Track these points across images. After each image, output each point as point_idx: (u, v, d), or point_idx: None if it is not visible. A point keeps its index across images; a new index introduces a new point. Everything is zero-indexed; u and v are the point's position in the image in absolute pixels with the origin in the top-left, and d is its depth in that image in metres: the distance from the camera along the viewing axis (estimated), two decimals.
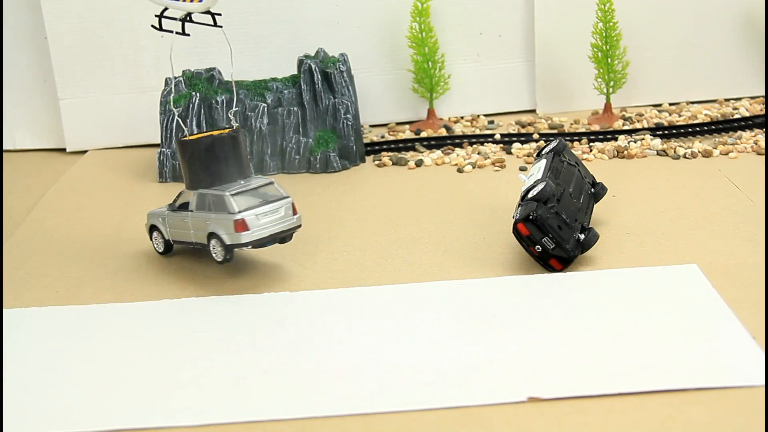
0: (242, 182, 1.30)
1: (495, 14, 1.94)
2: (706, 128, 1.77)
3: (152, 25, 1.35)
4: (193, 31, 1.91)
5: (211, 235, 1.28)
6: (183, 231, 1.34)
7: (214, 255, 1.29)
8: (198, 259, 1.39)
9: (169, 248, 1.40)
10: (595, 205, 1.43)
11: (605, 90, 1.87)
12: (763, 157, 1.65)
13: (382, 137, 1.89)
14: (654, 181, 1.58)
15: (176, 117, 1.69)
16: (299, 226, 1.32)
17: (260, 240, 1.27)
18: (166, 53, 1.90)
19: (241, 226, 1.25)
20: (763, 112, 1.84)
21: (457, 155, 1.76)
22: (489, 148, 1.78)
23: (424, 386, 1.03)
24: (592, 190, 1.43)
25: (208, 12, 1.30)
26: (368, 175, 1.72)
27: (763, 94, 1.95)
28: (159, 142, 1.77)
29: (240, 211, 1.25)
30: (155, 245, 1.41)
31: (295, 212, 1.31)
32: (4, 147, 1.99)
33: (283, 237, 1.30)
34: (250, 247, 1.27)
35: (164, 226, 1.37)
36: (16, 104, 1.97)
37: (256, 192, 1.29)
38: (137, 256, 1.42)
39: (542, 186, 1.28)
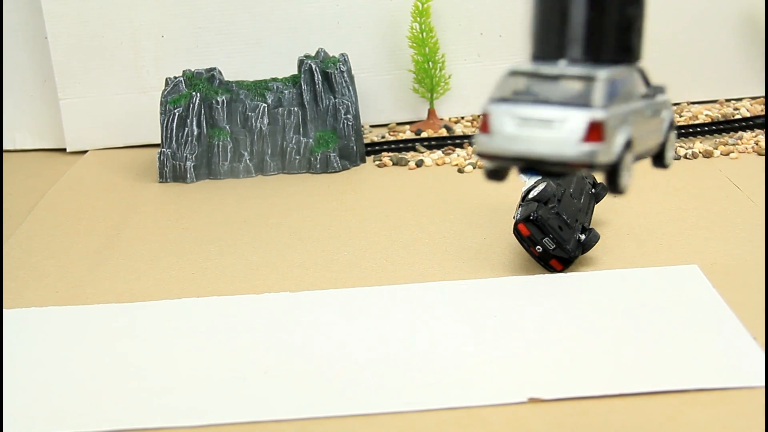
0: None
1: (495, 14, 1.94)
2: (706, 129, 1.77)
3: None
4: (193, 31, 1.92)
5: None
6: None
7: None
8: (199, 259, 1.39)
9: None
10: (595, 206, 1.43)
11: None
12: (764, 157, 1.65)
13: (383, 137, 1.89)
14: (654, 181, 1.58)
15: None
16: None
17: None
18: (166, 53, 1.92)
19: None
20: (764, 112, 1.84)
21: (458, 155, 1.76)
22: None
23: (425, 387, 1.03)
24: (593, 190, 1.43)
25: None
26: (368, 176, 1.72)
27: (764, 94, 1.95)
28: (159, 142, 1.76)
29: None
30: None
31: None
32: (5, 147, 1.99)
33: None
34: None
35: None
36: (17, 104, 1.97)
37: None
38: (137, 256, 1.42)
39: (543, 186, 1.28)
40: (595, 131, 0.74)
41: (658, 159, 0.87)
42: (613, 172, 0.78)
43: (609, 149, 0.76)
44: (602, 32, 0.77)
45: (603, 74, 0.76)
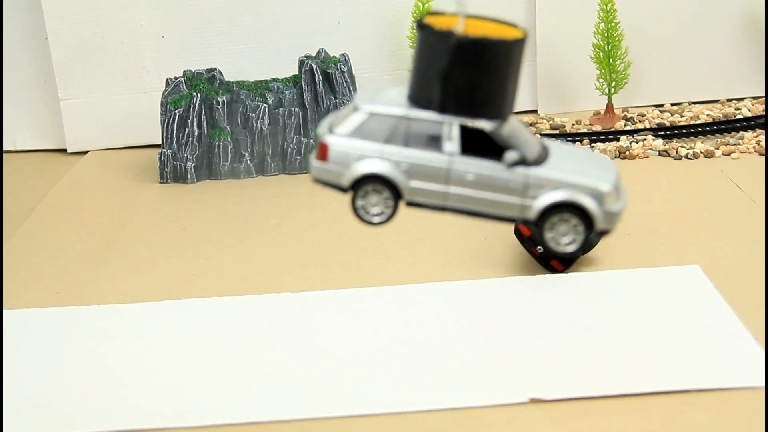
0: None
1: (496, 14, 1.94)
2: (708, 129, 1.77)
3: None
4: (194, 31, 1.91)
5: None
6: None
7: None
8: (199, 259, 1.39)
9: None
10: None
11: (607, 90, 1.87)
12: (765, 157, 1.65)
13: None
14: (656, 181, 1.58)
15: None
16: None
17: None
18: (167, 54, 1.92)
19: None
20: (765, 112, 1.84)
21: None
22: None
23: (426, 387, 1.03)
24: None
25: None
26: None
27: (765, 94, 1.95)
28: (160, 142, 1.76)
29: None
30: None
31: None
32: (5, 148, 1.99)
33: None
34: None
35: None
36: (17, 105, 1.97)
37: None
38: (138, 256, 1.42)
39: None
40: (320, 150, 0.83)
41: (542, 242, 0.85)
42: (352, 197, 0.84)
43: (337, 172, 0.83)
44: (417, 79, 0.80)
45: (366, 108, 0.81)
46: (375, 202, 0.85)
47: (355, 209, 0.85)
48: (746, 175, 1.57)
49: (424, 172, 0.83)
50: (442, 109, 0.79)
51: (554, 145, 0.86)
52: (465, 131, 0.80)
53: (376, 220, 0.86)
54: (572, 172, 0.81)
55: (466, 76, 0.77)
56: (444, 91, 0.78)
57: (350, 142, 0.82)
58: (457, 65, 0.77)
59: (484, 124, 0.79)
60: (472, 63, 0.77)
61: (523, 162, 0.81)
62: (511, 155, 0.80)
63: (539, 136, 0.86)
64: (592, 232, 0.81)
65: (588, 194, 0.80)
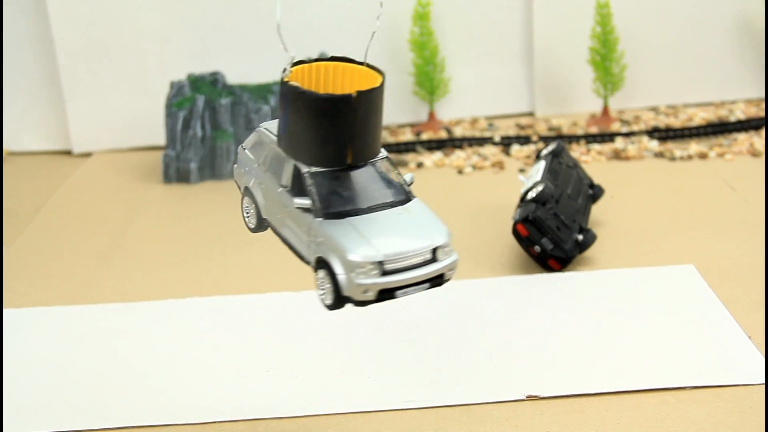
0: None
1: (494, 18, 1.96)
2: (702, 130, 1.78)
3: None
4: (197, 35, 1.91)
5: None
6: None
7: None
8: (202, 258, 1.40)
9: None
10: (592, 207, 1.44)
11: (603, 93, 1.88)
12: (758, 158, 1.66)
13: (384, 139, 1.90)
14: (651, 182, 1.59)
15: None
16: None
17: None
18: (171, 56, 1.93)
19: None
20: (759, 114, 1.86)
21: (457, 157, 1.78)
22: (488, 150, 1.80)
23: (425, 385, 1.04)
24: (590, 191, 1.44)
25: None
26: None
27: (759, 96, 1.96)
28: (164, 144, 1.77)
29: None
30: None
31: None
32: (12, 149, 1.99)
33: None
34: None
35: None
36: (23, 106, 1.97)
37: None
38: (142, 256, 1.43)
39: (541, 187, 1.30)
40: (235, 156, 0.95)
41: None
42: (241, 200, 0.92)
43: (237, 177, 0.93)
44: None
45: (259, 129, 0.90)
46: (253, 212, 0.91)
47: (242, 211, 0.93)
48: (740, 176, 1.58)
49: (270, 196, 0.87)
50: (279, 144, 0.85)
51: (411, 205, 0.90)
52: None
53: (249, 225, 0.92)
54: (346, 234, 0.80)
55: (285, 120, 0.82)
56: (278, 129, 0.85)
57: (245, 155, 0.91)
58: (282, 108, 0.82)
59: (301, 166, 0.83)
60: (289, 109, 0.81)
61: (309, 210, 0.82)
62: (296, 200, 0.82)
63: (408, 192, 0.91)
64: (341, 296, 0.81)
65: (339, 258, 0.80)
